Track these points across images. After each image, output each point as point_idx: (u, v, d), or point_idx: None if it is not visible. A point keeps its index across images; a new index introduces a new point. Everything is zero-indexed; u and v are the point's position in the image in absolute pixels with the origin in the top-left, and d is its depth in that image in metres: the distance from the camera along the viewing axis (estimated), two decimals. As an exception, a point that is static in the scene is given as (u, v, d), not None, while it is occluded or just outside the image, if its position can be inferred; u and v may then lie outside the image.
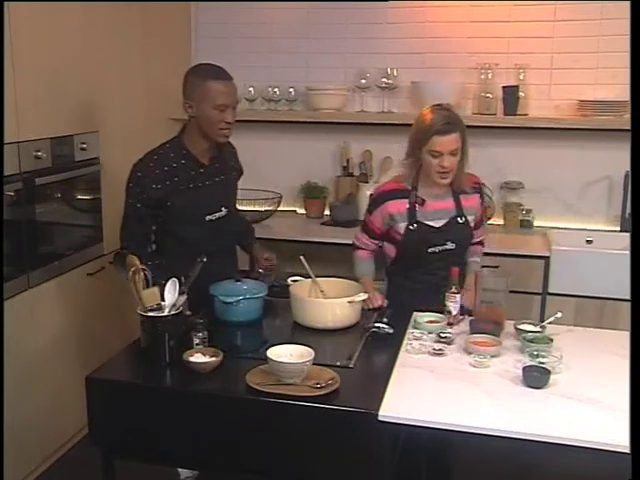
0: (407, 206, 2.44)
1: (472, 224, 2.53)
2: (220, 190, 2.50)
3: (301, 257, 2.41)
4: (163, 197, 2.36)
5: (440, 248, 2.45)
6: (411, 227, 2.44)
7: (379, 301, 2.44)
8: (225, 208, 2.51)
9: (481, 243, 2.68)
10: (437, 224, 2.45)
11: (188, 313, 2.14)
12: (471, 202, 2.51)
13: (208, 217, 2.45)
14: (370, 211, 2.54)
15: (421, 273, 2.49)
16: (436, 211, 2.46)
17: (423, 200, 2.45)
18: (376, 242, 2.58)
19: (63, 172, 2.90)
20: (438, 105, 2.41)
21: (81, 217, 3.13)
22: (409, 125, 2.47)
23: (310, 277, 2.43)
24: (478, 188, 2.55)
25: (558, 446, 1.64)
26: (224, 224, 2.51)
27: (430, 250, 2.45)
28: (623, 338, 2.13)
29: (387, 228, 2.50)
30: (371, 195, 2.60)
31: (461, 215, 2.48)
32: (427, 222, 2.45)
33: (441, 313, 2.29)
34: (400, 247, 2.50)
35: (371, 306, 2.41)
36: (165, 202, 2.37)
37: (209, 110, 2.31)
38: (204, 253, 2.16)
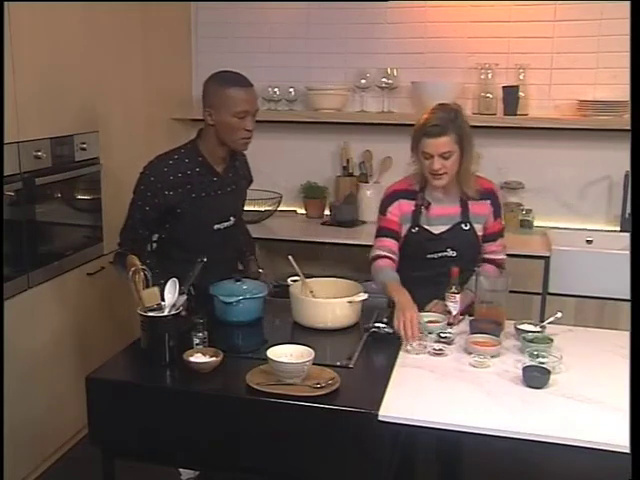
0: (413, 208, 2.41)
1: (480, 232, 2.42)
2: (231, 200, 2.49)
3: (289, 257, 2.36)
4: (174, 204, 2.34)
5: (440, 255, 2.39)
6: (413, 230, 2.41)
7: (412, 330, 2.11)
8: (233, 217, 2.50)
9: (495, 263, 2.46)
10: (437, 230, 2.40)
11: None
12: (479, 208, 2.41)
13: (216, 226, 2.44)
14: (384, 211, 2.44)
15: (422, 277, 2.41)
16: (440, 216, 2.40)
17: (429, 203, 2.40)
18: (399, 244, 2.42)
19: (63, 172, 2.89)
20: (442, 105, 2.36)
21: (81, 217, 3.12)
22: (409, 125, 2.46)
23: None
24: (488, 195, 2.42)
25: (558, 446, 1.64)
26: (230, 233, 2.50)
27: (429, 256, 2.40)
28: (623, 338, 2.13)
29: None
30: (384, 197, 2.48)
31: (466, 222, 2.39)
32: (427, 227, 2.40)
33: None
34: (401, 249, 2.44)
35: (402, 332, 2.12)
36: (175, 209, 2.35)
37: (229, 117, 2.27)
38: (207, 261, 2.16)
